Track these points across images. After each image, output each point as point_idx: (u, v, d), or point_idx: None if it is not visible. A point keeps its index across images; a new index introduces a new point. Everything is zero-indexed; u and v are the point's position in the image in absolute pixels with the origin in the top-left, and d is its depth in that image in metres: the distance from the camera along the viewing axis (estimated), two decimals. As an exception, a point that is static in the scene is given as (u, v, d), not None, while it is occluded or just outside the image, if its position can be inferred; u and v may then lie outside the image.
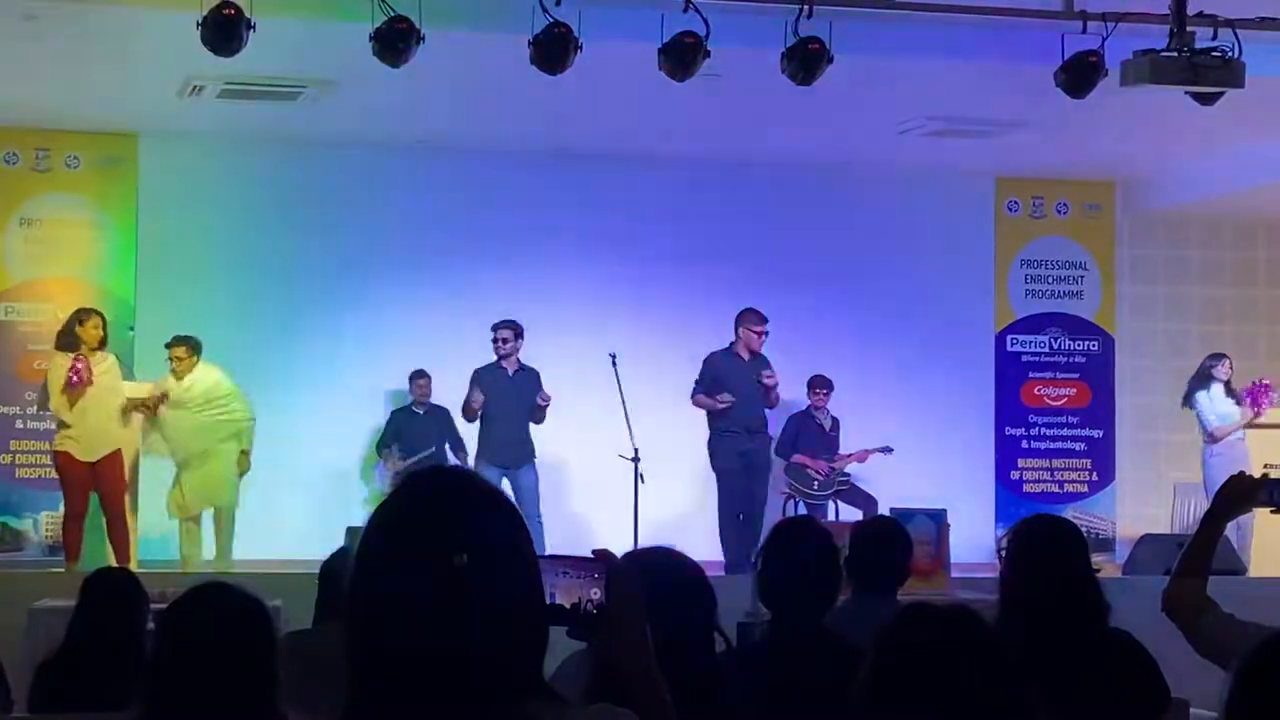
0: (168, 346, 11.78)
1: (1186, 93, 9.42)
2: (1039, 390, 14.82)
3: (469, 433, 12.72)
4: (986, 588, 5.61)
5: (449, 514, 2.04)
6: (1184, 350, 14.46)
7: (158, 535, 12.32)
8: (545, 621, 2.14)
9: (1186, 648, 4.03)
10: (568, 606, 2.35)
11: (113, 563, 10.43)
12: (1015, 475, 14.71)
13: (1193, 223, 14.90)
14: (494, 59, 10.14)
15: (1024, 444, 14.78)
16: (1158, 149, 13.29)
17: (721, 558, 11.96)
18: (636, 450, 12.16)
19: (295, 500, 13.04)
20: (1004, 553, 4.50)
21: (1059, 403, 14.82)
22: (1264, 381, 13.24)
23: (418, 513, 2.06)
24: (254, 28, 8.72)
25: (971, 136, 13.00)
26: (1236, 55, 9.05)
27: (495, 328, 12.40)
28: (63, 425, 11.21)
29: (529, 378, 12.40)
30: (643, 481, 12.19)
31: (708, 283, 13.86)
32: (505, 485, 11.47)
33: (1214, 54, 9.02)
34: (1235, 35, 9.15)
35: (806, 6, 9.21)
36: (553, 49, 9.02)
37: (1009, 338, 14.82)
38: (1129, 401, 14.85)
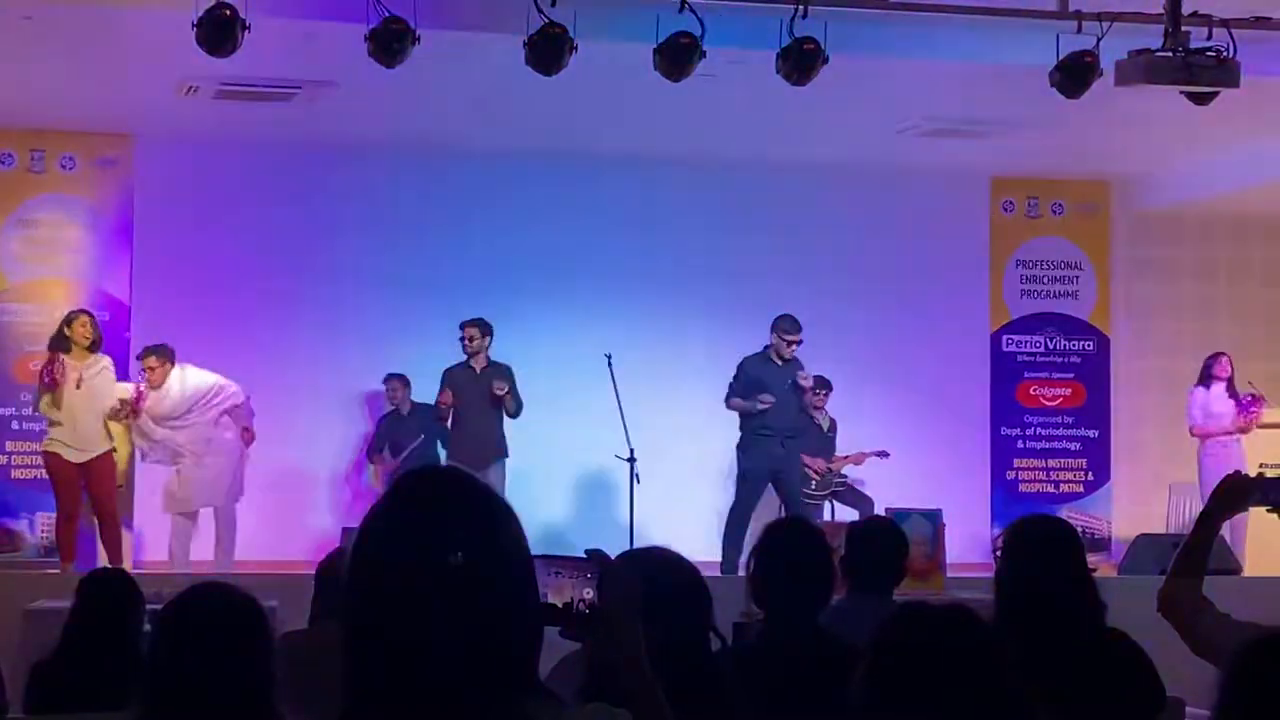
0: (139, 358, 11.74)
1: (1181, 92, 9.42)
2: (1034, 390, 14.83)
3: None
4: (983, 587, 5.61)
5: (444, 513, 2.05)
6: (1179, 350, 14.47)
7: (152, 537, 12.32)
8: (540, 621, 2.14)
9: (1182, 647, 4.04)
10: (560, 606, 2.35)
11: (105, 564, 10.42)
12: (1011, 475, 14.72)
13: (1188, 222, 14.90)
14: (489, 60, 10.14)
15: (1020, 444, 14.78)
16: (1153, 149, 13.30)
17: (715, 557, 11.94)
18: (632, 451, 12.16)
19: (292, 501, 13.05)
20: (1000, 552, 4.50)
21: (1054, 403, 14.83)
22: (1257, 394, 13.25)
23: (413, 512, 2.07)
24: (249, 28, 8.72)
25: (967, 136, 13.01)
26: (1231, 55, 9.05)
27: (462, 325, 12.31)
28: (53, 425, 11.20)
29: (498, 374, 12.24)
30: (638, 482, 12.19)
31: (703, 283, 13.86)
32: None
33: (1209, 54, 9.02)
34: (1230, 35, 9.15)
35: (801, 7, 9.20)
36: (548, 50, 9.02)
37: (1004, 338, 14.83)
38: (1124, 401, 14.87)
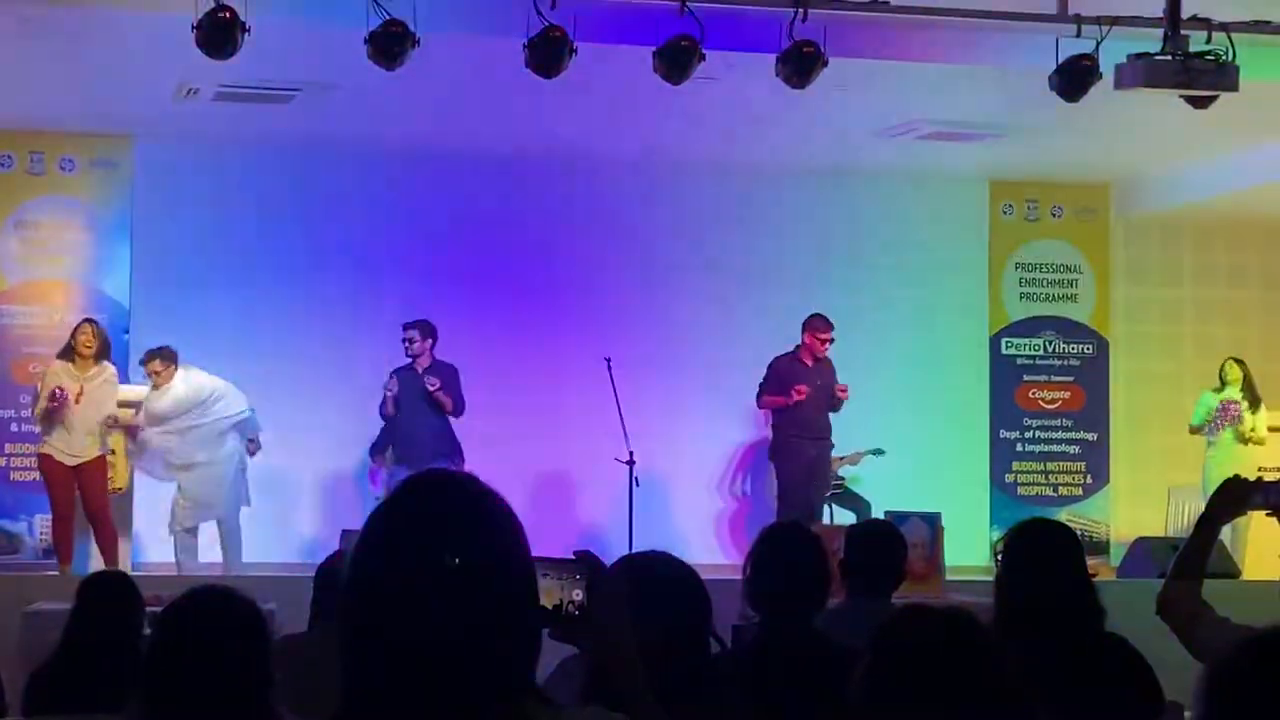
0: (142, 363, 11.73)
1: (1180, 96, 9.43)
2: (1033, 393, 14.82)
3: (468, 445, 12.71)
4: (981, 590, 5.61)
5: (444, 516, 2.05)
6: (1178, 353, 14.48)
7: (152, 541, 12.31)
8: (538, 624, 2.14)
9: (1181, 651, 4.04)
10: (550, 608, 2.35)
11: (100, 567, 10.42)
12: (1010, 478, 14.71)
13: (1187, 226, 14.91)
14: (489, 62, 10.14)
15: (1018, 447, 14.78)
16: (1152, 152, 13.30)
17: (714, 560, 11.95)
18: (632, 454, 12.17)
19: (292, 504, 13.04)
20: (1001, 556, 4.50)
21: (1053, 406, 14.83)
22: (1232, 403, 13.27)
23: (414, 515, 2.07)
24: (249, 30, 8.72)
25: (966, 140, 13.01)
26: (1230, 59, 9.06)
27: (404, 327, 12.24)
28: (55, 429, 11.21)
29: (440, 373, 12.12)
30: (638, 485, 12.19)
31: (702, 286, 13.87)
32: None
33: (1208, 57, 9.03)
34: (1229, 39, 9.16)
35: (801, 10, 9.22)
36: (547, 52, 9.03)
37: (1003, 340, 14.83)
38: (1123, 404, 14.86)
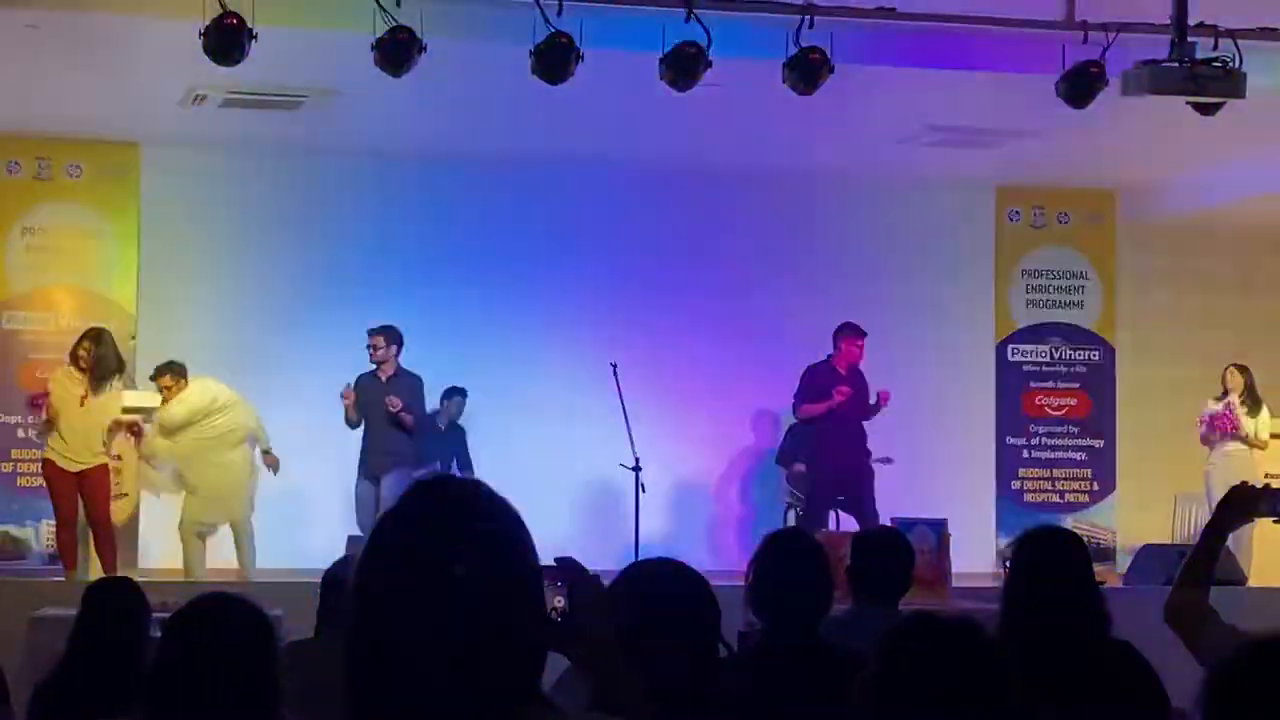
0: (153, 379, 11.70)
1: (1187, 103, 9.43)
2: (1040, 400, 14.81)
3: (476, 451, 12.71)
4: (988, 597, 5.61)
5: (451, 522, 2.05)
6: (1184, 360, 14.46)
7: (159, 546, 12.31)
8: (543, 632, 2.14)
9: (1188, 658, 4.03)
10: None
11: (99, 574, 10.41)
12: (1016, 485, 14.70)
13: (1193, 232, 14.89)
14: (495, 69, 10.15)
15: (1025, 454, 14.77)
16: (1158, 159, 13.29)
17: (721, 566, 11.93)
18: (638, 460, 12.16)
19: (298, 511, 13.03)
20: (1009, 563, 4.50)
21: (1060, 412, 14.82)
22: (1224, 412, 13.26)
23: (420, 521, 2.07)
24: (256, 37, 8.74)
25: (972, 146, 13.01)
26: (1237, 65, 9.06)
27: (369, 333, 11.98)
28: (51, 434, 11.21)
29: (403, 384, 11.90)
30: (644, 491, 12.18)
31: (709, 292, 13.87)
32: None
33: (1215, 64, 9.03)
34: (1236, 45, 9.16)
35: (807, 17, 9.22)
36: (554, 59, 9.04)
37: (1010, 347, 14.82)
38: (1129, 411, 14.85)
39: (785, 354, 12.87)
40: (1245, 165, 13.04)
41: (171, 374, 11.60)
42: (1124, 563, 13.25)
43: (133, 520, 12.13)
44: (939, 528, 10.55)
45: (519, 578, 2.05)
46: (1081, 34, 9.54)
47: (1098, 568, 4.71)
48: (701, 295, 13.88)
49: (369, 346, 11.98)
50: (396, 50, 8.90)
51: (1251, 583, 11.86)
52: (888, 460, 13.36)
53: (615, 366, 12.35)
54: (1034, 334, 14.85)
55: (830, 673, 3.82)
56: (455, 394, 12.97)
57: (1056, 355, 14.85)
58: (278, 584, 9.95)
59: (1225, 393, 13.34)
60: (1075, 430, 14.81)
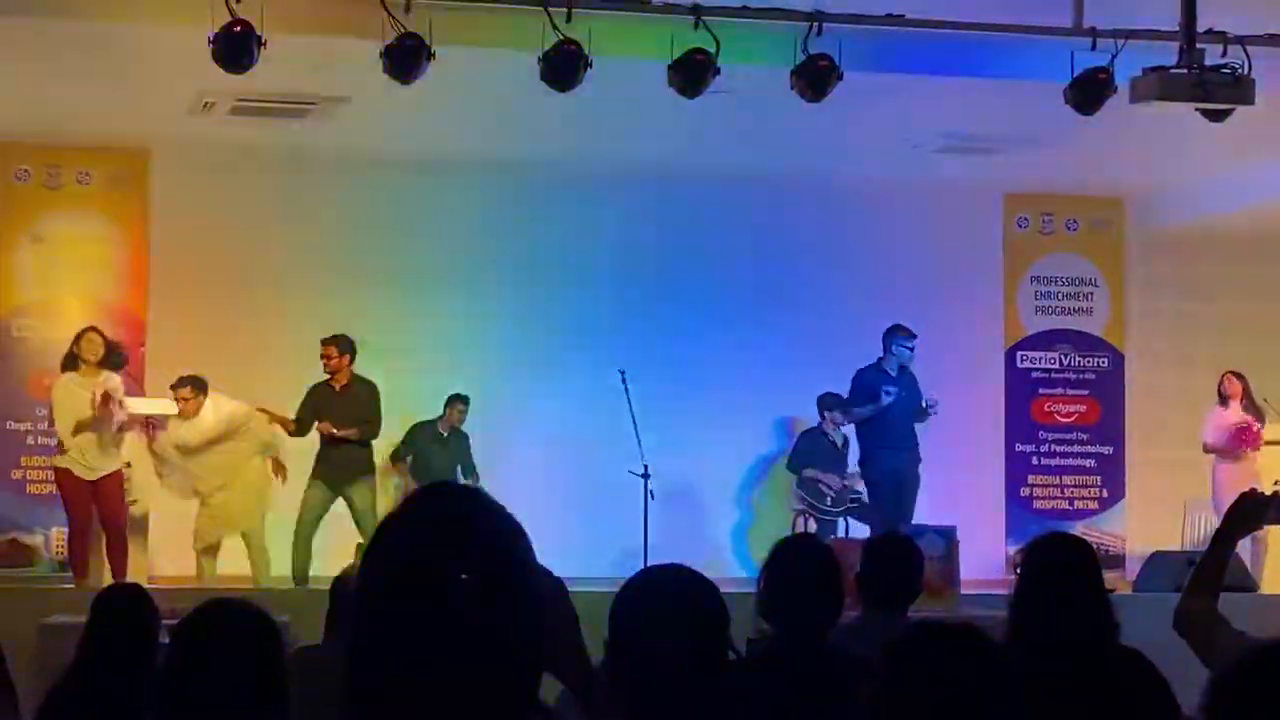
0: (173, 388, 11.68)
1: (1196, 109, 9.43)
2: (1049, 407, 14.80)
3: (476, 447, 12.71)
4: (997, 604, 5.61)
5: (455, 531, 2.05)
6: (1193, 366, 14.43)
7: (169, 557, 12.30)
8: (543, 640, 2.13)
9: (1197, 665, 4.03)
10: None
11: (109, 581, 10.41)
12: (1025, 492, 14.69)
13: (1202, 239, 14.87)
14: (505, 76, 10.16)
15: (1034, 460, 14.76)
16: (1167, 165, 13.28)
17: (731, 574, 11.93)
18: (646, 466, 12.16)
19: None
20: (1019, 570, 4.50)
21: (1069, 419, 14.81)
22: (1252, 426, 13.23)
23: (421, 527, 2.07)
24: (265, 44, 8.75)
25: (981, 153, 13.01)
26: (1246, 72, 9.06)
27: (322, 343, 11.88)
28: (64, 443, 11.19)
29: (356, 393, 11.80)
30: (653, 498, 12.18)
31: (717, 299, 13.87)
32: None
33: (1223, 71, 9.03)
34: (1245, 52, 9.16)
35: (816, 24, 9.23)
36: (563, 66, 9.05)
37: (1019, 354, 14.81)
38: (1139, 418, 14.83)
39: (795, 359, 12.87)
40: (1254, 171, 13.03)
41: (192, 387, 11.54)
42: (1133, 569, 13.23)
43: (143, 527, 12.11)
44: (948, 534, 10.55)
45: (521, 586, 2.06)
46: (1090, 41, 9.53)
47: (1107, 575, 4.71)
48: (709, 302, 13.87)
49: (322, 357, 11.85)
50: (406, 57, 8.91)
51: (1262, 589, 11.83)
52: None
53: (624, 374, 12.35)
54: (1043, 341, 14.84)
55: (839, 680, 3.82)
56: (458, 400, 12.97)
57: (1066, 362, 14.84)
58: (285, 590, 9.97)
59: (1224, 400, 13.29)
60: (1085, 437, 14.81)
